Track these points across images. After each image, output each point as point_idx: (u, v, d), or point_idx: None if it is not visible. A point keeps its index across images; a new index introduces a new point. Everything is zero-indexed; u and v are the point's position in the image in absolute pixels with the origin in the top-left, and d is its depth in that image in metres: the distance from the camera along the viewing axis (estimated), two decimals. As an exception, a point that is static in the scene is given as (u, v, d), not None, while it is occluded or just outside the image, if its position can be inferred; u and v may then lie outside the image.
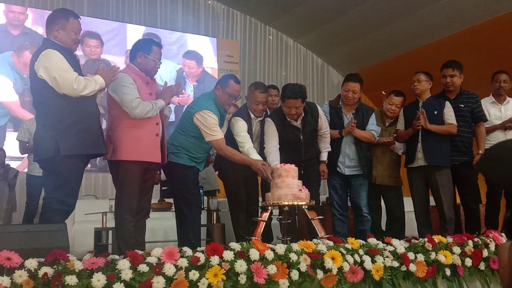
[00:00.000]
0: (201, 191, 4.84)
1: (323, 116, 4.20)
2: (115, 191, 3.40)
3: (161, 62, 3.53)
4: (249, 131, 3.99)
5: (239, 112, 4.17)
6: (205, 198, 4.90)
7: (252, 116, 4.09)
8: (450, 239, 3.38)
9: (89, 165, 6.66)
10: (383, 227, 4.60)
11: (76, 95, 3.01)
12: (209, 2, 8.37)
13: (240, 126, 3.94)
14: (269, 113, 4.25)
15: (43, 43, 3.16)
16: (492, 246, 3.47)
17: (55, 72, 2.96)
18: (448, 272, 3.16)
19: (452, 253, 3.24)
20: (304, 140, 4.06)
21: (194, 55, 8.24)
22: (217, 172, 4.52)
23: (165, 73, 7.54)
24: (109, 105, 3.39)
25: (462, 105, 4.40)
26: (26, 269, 2.09)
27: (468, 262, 3.28)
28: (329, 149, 4.26)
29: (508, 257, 0.48)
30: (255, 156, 3.76)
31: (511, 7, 6.28)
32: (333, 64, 9.53)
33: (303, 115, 4.05)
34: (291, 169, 3.29)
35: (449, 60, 4.51)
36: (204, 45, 8.37)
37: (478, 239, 3.49)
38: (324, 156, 4.26)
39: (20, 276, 2.05)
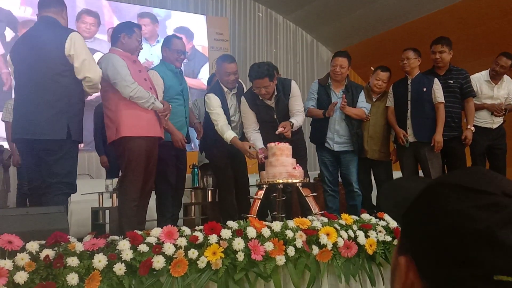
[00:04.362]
0: (195, 170, 4.89)
1: (297, 94, 4.04)
2: (120, 171, 3.44)
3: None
4: (225, 105, 4.03)
5: (212, 89, 4.21)
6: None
7: (225, 89, 4.09)
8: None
9: (82, 145, 6.69)
10: (374, 202, 4.69)
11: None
12: (197, -21, 8.27)
13: (213, 103, 3.98)
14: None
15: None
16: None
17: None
18: (438, 245, 3.24)
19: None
20: (279, 119, 3.95)
21: (184, 31, 8.16)
22: (203, 153, 4.58)
23: (156, 51, 7.49)
24: (104, 87, 3.40)
25: (451, 81, 4.46)
26: (27, 251, 2.10)
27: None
28: (296, 122, 3.91)
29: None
30: (229, 133, 3.88)
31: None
32: (323, 41, 9.51)
33: (276, 93, 3.97)
34: (285, 148, 3.32)
35: (439, 36, 4.54)
36: (196, 23, 8.28)
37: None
38: (292, 119, 3.92)
39: (22, 258, 2.06)
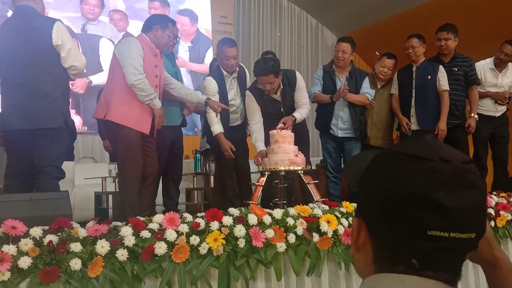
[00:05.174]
0: (198, 155, 4.90)
1: (302, 86, 4.03)
2: (118, 157, 3.44)
3: (174, 39, 3.65)
4: (223, 89, 4.03)
5: (212, 72, 4.22)
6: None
7: (225, 73, 4.08)
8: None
9: (85, 127, 6.71)
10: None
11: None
12: (201, -39, 8.17)
13: (210, 87, 4.01)
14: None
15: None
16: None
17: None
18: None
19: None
20: (286, 112, 3.94)
21: (188, 12, 8.08)
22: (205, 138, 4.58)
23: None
24: (112, 66, 3.41)
25: (456, 69, 4.44)
26: (31, 237, 2.11)
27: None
28: (300, 115, 3.93)
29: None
30: (216, 127, 3.91)
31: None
32: (328, 25, 9.42)
33: (281, 87, 3.94)
34: (288, 135, 3.33)
35: (445, 23, 4.51)
36: (200, 5, 8.19)
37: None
38: (295, 113, 3.93)
39: (26, 244, 2.07)
